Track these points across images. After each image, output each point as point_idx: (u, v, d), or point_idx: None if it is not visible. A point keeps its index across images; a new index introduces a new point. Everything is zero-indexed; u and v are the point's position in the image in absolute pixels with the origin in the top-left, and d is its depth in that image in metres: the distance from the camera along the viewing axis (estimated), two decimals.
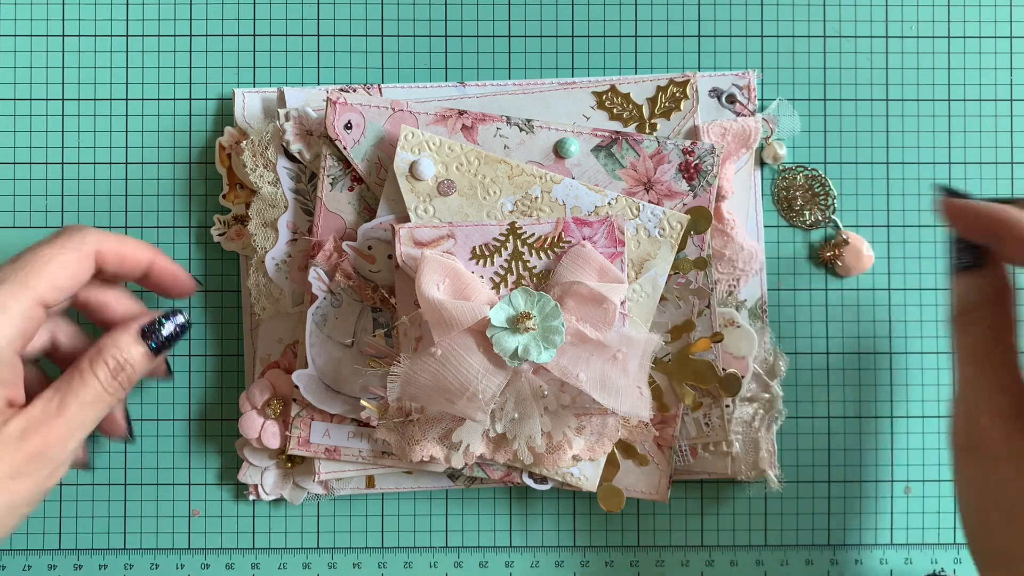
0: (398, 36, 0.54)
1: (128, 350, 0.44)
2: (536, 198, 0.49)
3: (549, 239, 0.47)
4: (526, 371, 0.46)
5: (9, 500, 0.41)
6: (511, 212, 0.49)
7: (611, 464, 0.51)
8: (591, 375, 0.45)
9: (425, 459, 0.48)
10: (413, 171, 0.48)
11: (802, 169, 0.54)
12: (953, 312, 0.42)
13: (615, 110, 0.52)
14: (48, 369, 0.49)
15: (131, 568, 0.53)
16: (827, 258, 0.54)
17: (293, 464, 0.52)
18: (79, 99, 0.54)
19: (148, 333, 0.45)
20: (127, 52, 0.54)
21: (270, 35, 0.54)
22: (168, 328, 0.46)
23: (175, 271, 0.48)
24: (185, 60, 0.54)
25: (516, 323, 0.45)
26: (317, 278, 0.49)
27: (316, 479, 0.51)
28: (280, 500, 0.53)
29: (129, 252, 0.46)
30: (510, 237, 0.47)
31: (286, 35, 0.54)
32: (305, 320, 0.49)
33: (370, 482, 0.52)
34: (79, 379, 0.43)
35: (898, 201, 0.54)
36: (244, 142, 0.51)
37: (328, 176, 0.50)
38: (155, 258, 0.47)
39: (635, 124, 0.52)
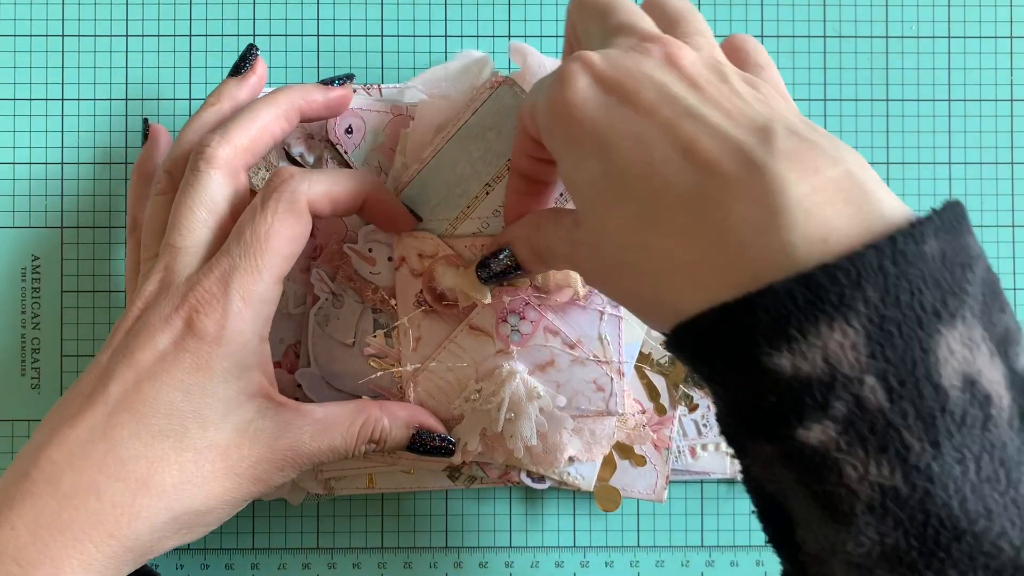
0: (398, 36, 0.54)
1: None
2: None
3: None
4: (521, 372, 0.47)
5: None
6: None
7: (608, 464, 0.51)
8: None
9: None
10: None
11: None
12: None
13: None
14: None
15: None
16: None
17: None
18: (79, 99, 0.53)
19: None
20: (127, 52, 0.54)
21: (270, 35, 0.54)
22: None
23: (391, 207, 0.45)
24: (185, 60, 0.54)
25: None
26: (319, 279, 0.49)
27: (316, 479, 0.51)
28: (280, 500, 0.53)
29: (341, 195, 0.42)
30: None
31: (286, 35, 0.54)
32: (307, 320, 0.49)
33: (370, 481, 0.52)
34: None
35: None
36: None
37: None
38: (369, 194, 0.43)
39: None
